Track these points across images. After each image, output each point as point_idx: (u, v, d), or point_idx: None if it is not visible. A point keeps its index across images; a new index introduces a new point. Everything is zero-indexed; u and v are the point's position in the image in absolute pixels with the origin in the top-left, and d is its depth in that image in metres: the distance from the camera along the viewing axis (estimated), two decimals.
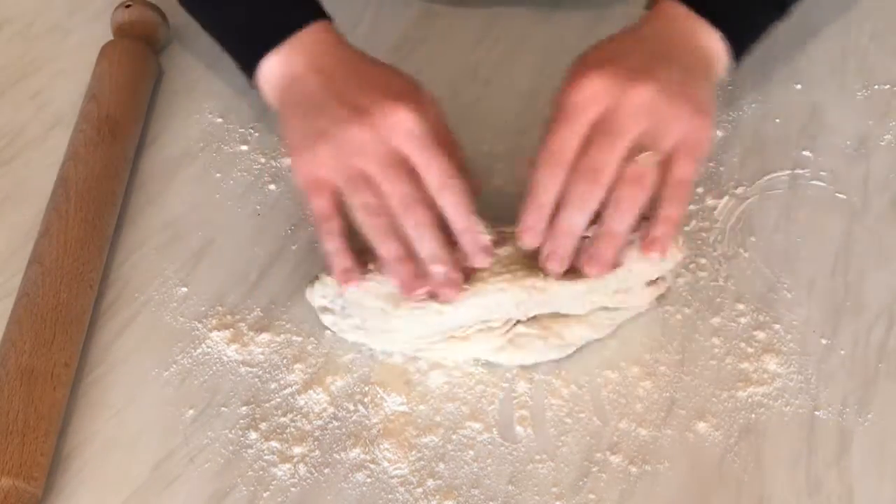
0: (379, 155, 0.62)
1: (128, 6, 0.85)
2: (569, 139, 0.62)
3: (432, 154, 0.62)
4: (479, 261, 0.64)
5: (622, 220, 0.62)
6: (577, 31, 0.88)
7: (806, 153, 0.78)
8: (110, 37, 0.85)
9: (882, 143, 0.79)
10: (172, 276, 0.73)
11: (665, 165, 0.62)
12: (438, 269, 0.63)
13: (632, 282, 0.66)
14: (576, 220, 0.62)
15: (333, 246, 0.64)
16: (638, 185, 0.61)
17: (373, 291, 0.65)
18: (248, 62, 0.69)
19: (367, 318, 0.66)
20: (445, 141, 0.65)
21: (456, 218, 0.63)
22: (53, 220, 0.72)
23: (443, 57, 0.87)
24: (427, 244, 0.62)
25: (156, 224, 0.76)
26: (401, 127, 0.62)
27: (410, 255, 0.63)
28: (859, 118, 0.81)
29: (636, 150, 0.61)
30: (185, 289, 0.72)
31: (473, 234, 0.63)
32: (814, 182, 0.77)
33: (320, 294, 0.67)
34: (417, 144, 0.62)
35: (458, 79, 0.85)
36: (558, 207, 0.62)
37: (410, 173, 0.62)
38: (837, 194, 0.76)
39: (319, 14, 0.70)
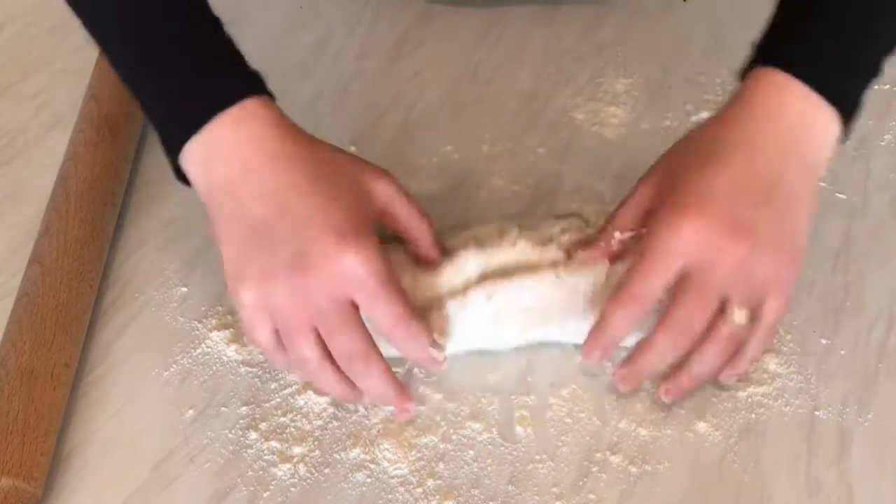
0: (322, 304, 0.59)
1: None
2: (655, 285, 0.60)
3: (380, 300, 0.59)
4: (434, 369, 0.65)
5: (708, 369, 0.63)
6: (577, 31, 0.89)
7: None
8: None
9: (882, 143, 0.79)
10: (172, 276, 0.73)
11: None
12: (388, 408, 0.65)
13: None
14: (657, 365, 0.63)
15: (303, 375, 0.65)
16: (729, 342, 0.61)
17: None
18: (170, 145, 0.62)
19: None
20: (412, 216, 0.65)
21: (417, 359, 0.64)
22: (53, 219, 0.72)
23: (443, 57, 0.87)
24: (374, 391, 0.63)
25: (156, 224, 0.76)
26: (346, 274, 0.58)
27: (355, 388, 0.63)
28: (859, 118, 0.81)
29: (732, 300, 0.60)
30: (185, 289, 0.72)
31: (427, 361, 0.63)
32: None
33: None
34: (365, 292, 0.59)
35: (458, 79, 0.85)
36: (638, 347, 0.63)
37: (355, 321, 0.60)
38: (837, 194, 0.76)
39: (250, 86, 0.62)
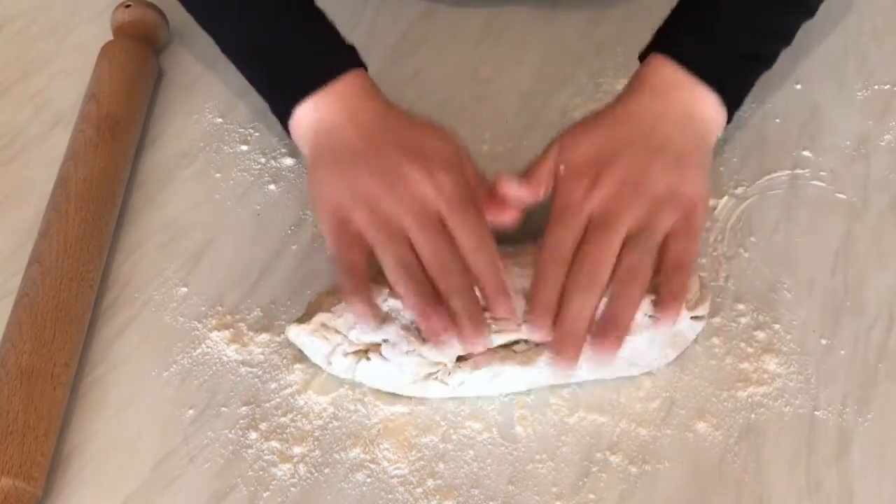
0: (416, 214, 0.63)
1: (128, 6, 0.85)
2: (564, 237, 0.64)
3: (467, 217, 0.64)
4: (507, 326, 0.64)
5: (624, 308, 0.63)
6: (578, 30, 0.89)
7: (806, 153, 0.78)
8: (110, 37, 0.85)
9: (882, 143, 0.79)
10: (172, 276, 0.73)
11: (663, 245, 0.64)
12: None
13: (648, 352, 0.66)
14: (578, 310, 0.62)
15: (360, 309, 0.63)
16: (636, 272, 0.63)
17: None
18: (283, 107, 0.70)
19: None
20: (477, 191, 0.67)
21: (487, 281, 0.63)
22: (53, 219, 0.72)
23: (443, 57, 0.87)
24: (460, 304, 0.62)
25: (156, 224, 0.76)
26: (440, 192, 0.64)
27: (438, 303, 0.62)
28: (859, 118, 0.81)
29: (631, 237, 0.63)
30: (185, 289, 0.72)
31: (503, 299, 0.63)
32: (814, 182, 0.77)
33: (321, 323, 0.65)
34: (453, 207, 0.64)
35: (458, 79, 0.85)
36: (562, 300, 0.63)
37: (445, 233, 0.64)
38: (837, 194, 0.76)
39: (356, 62, 0.71)
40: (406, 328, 0.64)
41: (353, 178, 0.65)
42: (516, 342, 0.65)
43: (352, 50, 0.71)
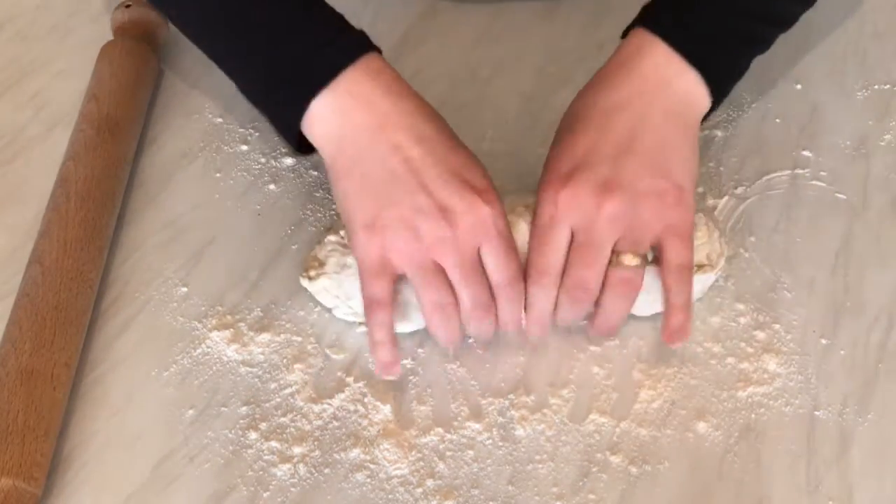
0: (458, 253, 0.62)
1: (128, 6, 0.85)
2: (551, 255, 0.64)
3: (502, 252, 0.63)
4: (514, 330, 0.66)
5: (613, 315, 0.66)
6: (578, 30, 0.89)
7: (806, 153, 0.78)
8: (110, 37, 0.85)
9: (882, 143, 0.79)
10: (172, 276, 0.73)
11: (659, 251, 0.64)
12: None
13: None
14: (567, 323, 0.66)
15: (381, 336, 0.64)
16: (626, 287, 0.64)
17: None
18: (291, 109, 0.65)
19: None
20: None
21: (507, 320, 0.65)
22: (53, 219, 0.72)
23: (443, 56, 0.87)
24: (484, 337, 0.66)
25: (156, 224, 0.76)
26: (482, 225, 0.62)
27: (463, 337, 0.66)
28: (859, 118, 0.81)
29: (620, 248, 0.64)
30: (185, 289, 0.72)
31: (516, 326, 0.65)
32: (814, 182, 0.77)
33: (322, 287, 0.68)
34: (493, 244, 0.63)
35: (458, 78, 0.85)
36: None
37: (482, 271, 0.63)
38: (837, 194, 0.76)
39: (369, 44, 0.66)
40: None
41: (394, 205, 0.62)
42: None
43: (363, 33, 0.67)
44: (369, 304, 0.64)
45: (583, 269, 0.63)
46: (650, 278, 0.65)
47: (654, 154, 0.64)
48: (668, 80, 0.66)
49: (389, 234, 0.62)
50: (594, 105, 0.66)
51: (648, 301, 0.67)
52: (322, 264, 0.68)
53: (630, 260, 0.63)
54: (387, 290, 0.63)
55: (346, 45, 0.65)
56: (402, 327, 0.67)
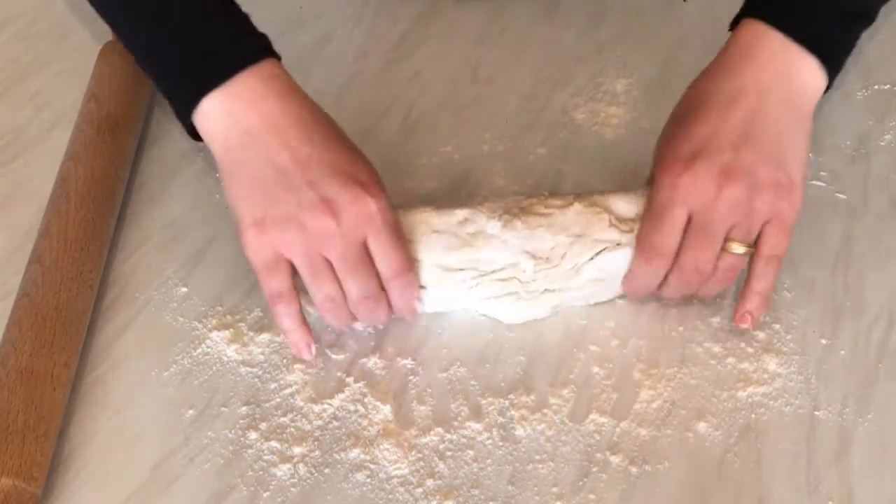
0: (344, 247, 0.63)
1: None
2: (669, 236, 0.65)
3: (389, 246, 0.64)
4: (408, 317, 0.69)
5: (712, 295, 0.69)
6: (577, 30, 0.89)
7: None
8: (110, 37, 0.85)
9: (882, 143, 0.79)
10: (172, 276, 0.73)
11: (758, 235, 0.66)
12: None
13: None
14: (673, 296, 0.69)
15: (289, 324, 0.66)
16: (732, 273, 0.67)
17: None
18: (187, 99, 0.65)
19: None
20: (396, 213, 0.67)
21: (400, 308, 0.67)
22: (53, 220, 0.72)
23: (443, 56, 0.87)
24: (377, 322, 0.68)
25: (156, 224, 0.76)
26: (366, 217, 0.63)
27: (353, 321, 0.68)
28: (859, 118, 0.81)
29: (732, 235, 0.65)
30: (185, 289, 0.72)
31: (409, 311, 0.68)
32: (814, 182, 0.77)
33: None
34: (380, 237, 0.64)
35: (458, 78, 0.85)
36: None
37: (369, 263, 0.65)
38: (837, 194, 0.76)
39: (270, 51, 0.66)
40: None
41: (280, 202, 0.63)
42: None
43: (265, 38, 0.66)
44: (271, 299, 0.65)
45: (699, 252, 0.65)
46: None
47: (772, 144, 0.65)
48: (786, 68, 0.66)
49: (277, 231, 0.63)
50: (713, 92, 0.66)
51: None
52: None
53: (738, 248, 0.65)
54: (285, 282, 0.65)
55: (244, 49, 0.65)
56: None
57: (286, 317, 0.66)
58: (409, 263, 0.66)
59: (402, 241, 0.66)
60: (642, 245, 0.66)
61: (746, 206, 0.64)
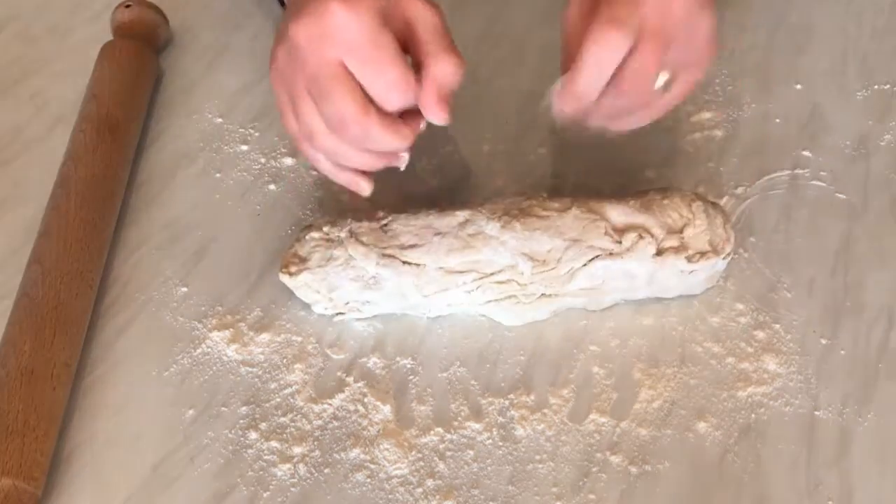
0: (314, 69, 0.57)
1: (128, 6, 0.85)
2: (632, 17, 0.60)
3: (370, 64, 0.57)
4: (394, 164, 0.63)
5: (614, 111, 0.64)
6: None
7: (806, 153, 0.78)
8: (110, 37, 0.85)
9: (882, 143, 0.79)
10: (172, 276, 0.73)
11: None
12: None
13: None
14: (589, 95, 0.62)
15: (324, 166, 0.63)
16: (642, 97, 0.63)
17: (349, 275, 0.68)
18: None
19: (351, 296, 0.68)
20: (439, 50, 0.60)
21: (380, 137, 0.60)
22: (53, 219, 0.72)
23: None
24: (380, 147, 0.61)
25: (156, 224, 0.76)
26: (334, 33, 0.56)
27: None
28: (859, 118, 0.81)
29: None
30: (185, 289, 0.72)
31: (397, 146, 0.61)
32: (814, 182, 0.77)
33: (304, 282, 0.68)
34: (354, 54, 0.57)
35: None
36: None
37: (348, 80, 0.57)
38: (837, 194, 0.76)
39: None
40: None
41: (281, 30, 0.60)
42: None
43: None
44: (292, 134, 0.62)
45: (642, 68, 0.60)
46: (637, 265, 0.66)
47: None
48: None
49: (273, 66, 0.61)
50: None
51: (634, 287, 0.68)
52: (303, 260, 0.68)
53: (661, 81, 0.62)
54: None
55: None
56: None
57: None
58: (404, 77, 0.58)
59: (390, 53, 0.57)
60: (583, 61, 0.60)
61: (676, 42, 0.60)
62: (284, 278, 0.68)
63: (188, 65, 0.86)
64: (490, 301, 0.68)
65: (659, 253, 0.67)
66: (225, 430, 0.65)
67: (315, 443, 0.64)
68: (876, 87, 0.83)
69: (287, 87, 0.61)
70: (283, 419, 0.65)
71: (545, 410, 0.66)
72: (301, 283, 0.68)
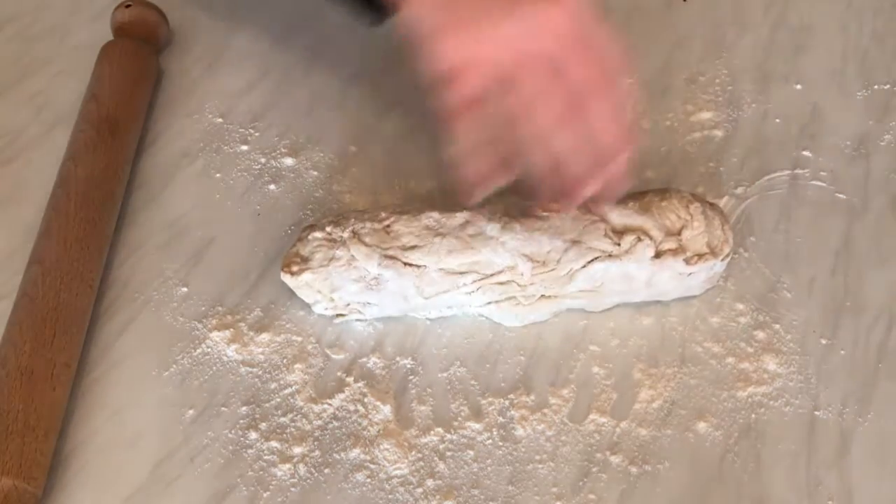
0: (529, 56, 0.58)
1: (128, 6, 0.84)
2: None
3: (576, 62, 0.59)
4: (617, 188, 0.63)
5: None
6: None
7: (806, 153, 0.78)
8: (110, 37, 0.85)
9: (882, 143, 0.79)
10: (172, 276, 0.73)
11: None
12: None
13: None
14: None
15: (471, 143, 0.62)
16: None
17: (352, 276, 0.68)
18: None
19: (353, 297, 0.68)
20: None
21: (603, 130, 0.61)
22: (53, 219, 0.72)
23: None
24: (577, 166, 0.61)
25: (156, 224, 0.76)
26: (551, 28, 0.58)
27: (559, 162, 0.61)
28: (859, 118, 0.81)
29: None
30: (185, 289, 0.72)
31: (620, 143, 0.61)
32: (814, 182, 0.77)
33: (305, 282, 0.68)
34: (565, 50, 0.58)
35: None
36: None
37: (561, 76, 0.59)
38: (837, 194, 0.76)
39: None
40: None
41: (469, 14, 0.59)
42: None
43: None
44: (457, 107, 0.61)
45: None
46: (635, 267, 0.66)
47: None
48: None
49: (462, 39, 0.60)
50: None
51: (633, 290, 0.68)
52: (305, 260, 0.68)
53: None
54: (479, 86, 0.60)
55: None
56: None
57: (468, 132, 0.61)
58: (610, 79, 0.59)
59: (598, 56, 0.59)
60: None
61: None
62: (286, 278, 0.68)
63: (188, 65, 0.86)
64: (490, 303, 0.68)
65: (657, 255, 0.67)
66: (225, 430, 0.65)
67: (315, 443, 0.64)
68: (876, 87, 0.83)
69: (494, 67, 0.59)
70: (283, 419, 0.66)
71: (545, 410, 0.66)
72: (303, 283, 0.68)
